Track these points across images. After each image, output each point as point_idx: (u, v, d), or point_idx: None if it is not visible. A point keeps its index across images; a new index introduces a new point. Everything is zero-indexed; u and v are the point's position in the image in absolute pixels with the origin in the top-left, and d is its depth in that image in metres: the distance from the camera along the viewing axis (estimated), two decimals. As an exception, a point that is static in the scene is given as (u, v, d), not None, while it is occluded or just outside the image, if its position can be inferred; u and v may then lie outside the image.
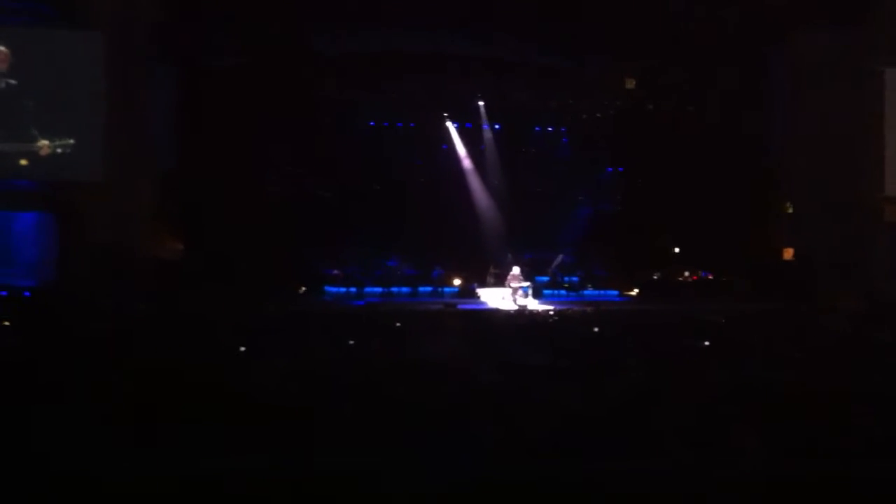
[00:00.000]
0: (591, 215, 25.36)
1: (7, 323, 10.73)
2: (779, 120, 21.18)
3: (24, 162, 17.96)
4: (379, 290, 21.35)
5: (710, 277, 22.85)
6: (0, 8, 18.06)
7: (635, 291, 22.33)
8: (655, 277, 23.51)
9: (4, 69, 18.03)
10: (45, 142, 17.92)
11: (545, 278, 22.69)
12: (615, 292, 22.16)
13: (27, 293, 16.50)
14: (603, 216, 25.37)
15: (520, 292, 20.83)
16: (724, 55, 21.32)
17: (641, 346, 9.72)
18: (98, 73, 18.00)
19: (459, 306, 18.05)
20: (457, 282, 22.12)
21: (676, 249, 24.54)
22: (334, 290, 21.41)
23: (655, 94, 24.05)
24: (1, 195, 18.18)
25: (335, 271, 21.81)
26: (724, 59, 21.55)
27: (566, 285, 22.13)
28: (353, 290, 21.19)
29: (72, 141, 17.91)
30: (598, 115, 24.80)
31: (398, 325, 12.52)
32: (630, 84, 24.07)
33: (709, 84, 23.25)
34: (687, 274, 23.48)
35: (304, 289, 21.76)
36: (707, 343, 9.91)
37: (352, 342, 10.08)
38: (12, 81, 17.99)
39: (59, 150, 17.91)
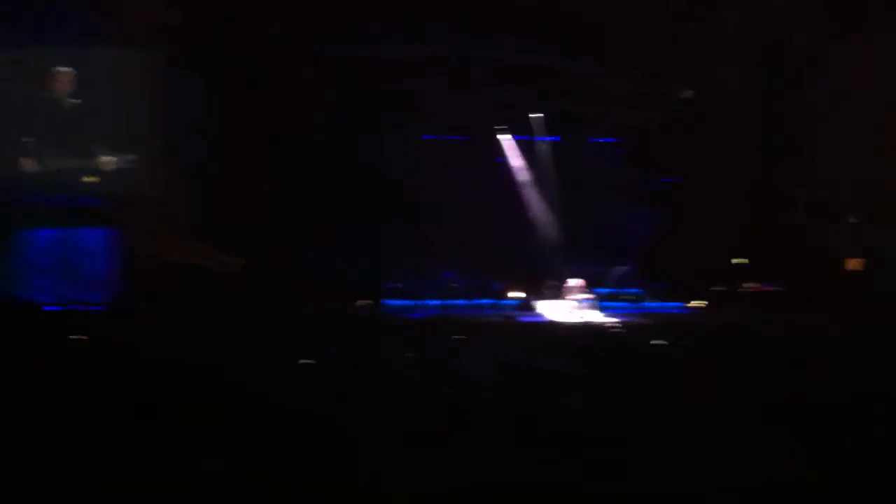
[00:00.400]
0: (651, 226, 25.04)
1: (85, 337, 10.93)
2: (836, 128, 20.67)
3: (88, 178, 18.36)
4: (437, 302, 21.30)
5: (774, 289, 22.37)
6: (63, 29, 18.51)
7: (700, 303, 21.94)
8: (719, 289, 23.12)
9: (69, 90, 18.47)
10: (106, 157, 18.33)
11: (607, 290, 22.43)
12: (679, 304, 21.83)
13: (98, 307, 16.85)
14: (664, 227, 25.04)
15: (581, 304, 20.69)
16: (781, 62, 20.96)
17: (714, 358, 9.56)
18: (157, 90, 18.37)
19: (519, 318, 17.98)
20: (515, 294, 21.99)
21: (738, 260, 24.12)
22: (393, 302, 21.43)
23: (713, 104, 23.69)
24: (67, 211, 18.59)
25: (394, 284, 21.81)
26: (782, 66, 21.17)
27: (628, 297, 21.84)
28: (411, 302, 21.18)
29: (133, 156, 18.30)
30: (654, 126, 24.48)
31: (456, 337, 12.49)
32: (688, 94, 23.76)
33: (766, 92, 22.91)
34: (750, 285, 23.04)
35: (362, 302, 21.81)
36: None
37: (410, 354, 10.10)
38: (76, 101, 18.45)
39: (121, 165, 18.31)
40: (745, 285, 22.98)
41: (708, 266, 24.10)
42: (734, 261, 24.17)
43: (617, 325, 15.48)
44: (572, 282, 21.46)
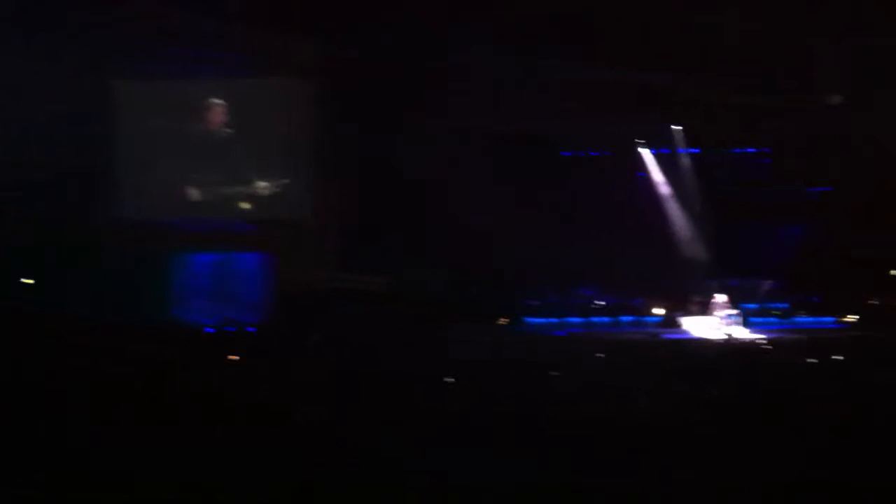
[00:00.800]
0: (800, 238, 24.17)
1: (236, 357, 11.53)
2: None
3: (242, 204, 19.35)
4: (579, 319, 21.22)
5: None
6: (217, 63, 19.59)
7: (853, 317, 21.03)
8: (874, 302, 22.08)
9: (222, 121, 19.52)
10: (260, 182, 19.27)
11: (754, 305, 21.79)
12: (831, 319, 20.97)
13: (251, 329, 17.66)
14: (814, 239, 24.15)
15: (726, 320, 20.18)
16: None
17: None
18: (308, 117, 19.20)
19: (663, 336, 17.73)
20: (659, 310, 21.63)
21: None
22: (535, 320, 21.48)
23: (861, 111, 22.74)
24: (225, 237, 19.61)
25: (535, 301, 21.87)
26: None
27: (776, 312, 21.14)
28: (553, 320, 21.19)
29: (284, 180, 19.17)
30: (802, 136, 23.67)
31: (600, 355, 12.46)
32: (834, 101, 22.89)
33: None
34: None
35: (503, 320, 21.98)
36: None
37: (555, 373, 10.15)
38: (228, 130, 19.48)
39: (274, 190, 19.20)
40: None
41: (863, 279, 23.09)
42: (893, 272, 23.09)
43: (764, 342, 15.05)
44: (717, 297, 20.96)
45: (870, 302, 22.07)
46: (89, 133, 18.49)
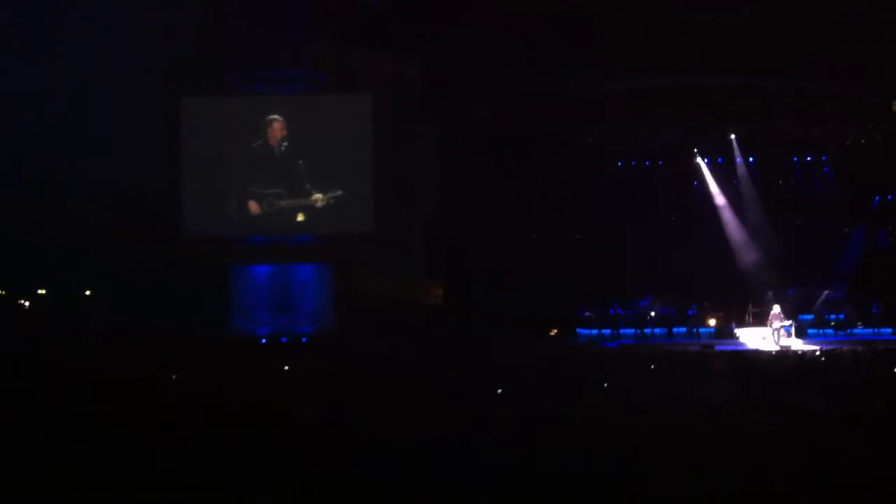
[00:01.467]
0: (859, 247, 23.80)
1: (287, 367, 11.88)
2: None
3: (301, 217, 19.79)
4: (632, 331, 21.19)
5: None
6: (278, 79, 20.07)
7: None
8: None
9: (282, 136, 19.98)
10: (318, 195, 19.69)
11: (810, 316, 21.50)
12: (889, 330, 20.62)
13: (304, 339, 18.05)
14: (874, 248, 23.76)
15: (782, 331, 19.92)
16: None
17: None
18: (367, 130, 19.57)
19: (717, 347, 17.61)
20: (713, 321, 21.49)
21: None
22: (587, 332, 21.50)
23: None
24: (283, 249, 20.07)
25: (587, 313, 21.90)
26: None
27: (833, 323, 20.84)
28: (605, 331, 21.19)
29: (341, 192, 19.54)
30: (863, 140, 23.30)
31: (652, 367, 12.51)
32: (896, 107, 22.50)
33: None
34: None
35: (555, 331, 22.06)
36: None
37: (606, 384, 10.25)
38: (288, 144, 19.92)
39: (331, 202, 19.61)
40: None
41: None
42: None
43: (817, 353, 14.89)
44: (774, 308, 20.74)
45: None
46: (157, 149, 19.18)
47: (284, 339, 18.29)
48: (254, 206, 19.87)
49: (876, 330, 20.65)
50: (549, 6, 19.29)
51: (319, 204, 19.73)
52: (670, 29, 19.49)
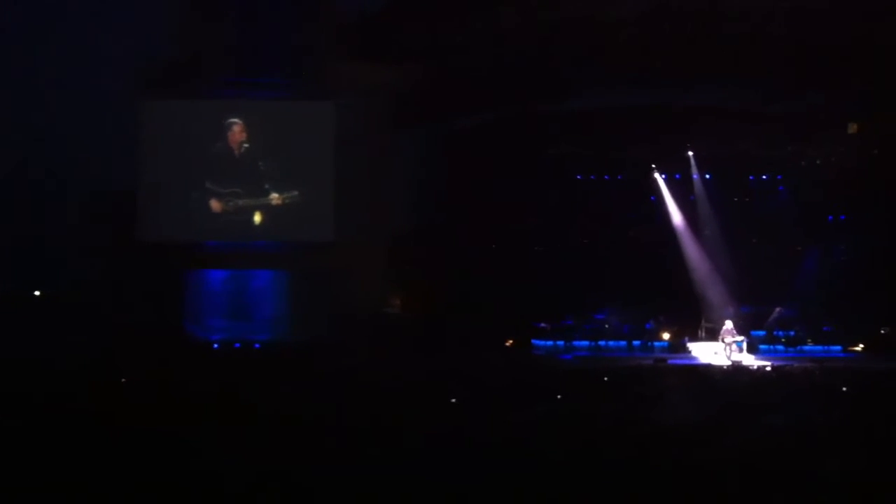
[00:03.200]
0: (812, 266, 24.22)
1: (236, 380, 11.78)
2: None
3: (258, 217, 19.69)
4: (587, 343, 21.34)
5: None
6: (246, 84, 20.03)
7: (860, 347, 21.07)
8: (883, 332, 22.08)
9: (243, 139, 19.94)
10: (275, 195, 19.68)
11: (761, 332, 21.84)
12: (838, 347, 21.03)
13: (257, 345, 17.97)
14: (825, 267, 24.18)
15: (733, 347, 20.27)
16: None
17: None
18: (329, 138, 19.56)
19: (670, 361, 17.82)
20: (666, 335, 21.74)
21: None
22: (542, 343, 21.61)
23: (881, 139, 22.79)
24: (241, 255, 19.95)
25: (543, 324, 22.01)
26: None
27: (784, 340, 21.19)
28: (560, 343, 21.32)
29: (297, 193, 19.53)
30: (818, 161, 23.75)
31: (605, 379, 12.63)
32: (853, 129, 22.92)
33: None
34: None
35: (511, 342, 22.15)
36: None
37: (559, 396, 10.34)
38: (248, 146, 19.91)
39: (287, 201, 19.57)
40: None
41: (874, 308, 23.09)
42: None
43: (767, 368, 15.18)
44: (726, 323, 21.07)
45: (881, 332, 22.09)
46: (119, 152, 19.08)
47: (238, 346, 18.18)
48: (215, 205, 19.82)
49: (826, 347, 21.03)
50: (516, 24, 19.46)
51: (275, 202, 19.71)
52: (635, 46, 19.69)
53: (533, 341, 21.99)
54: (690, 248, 24.32)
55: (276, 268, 19.95)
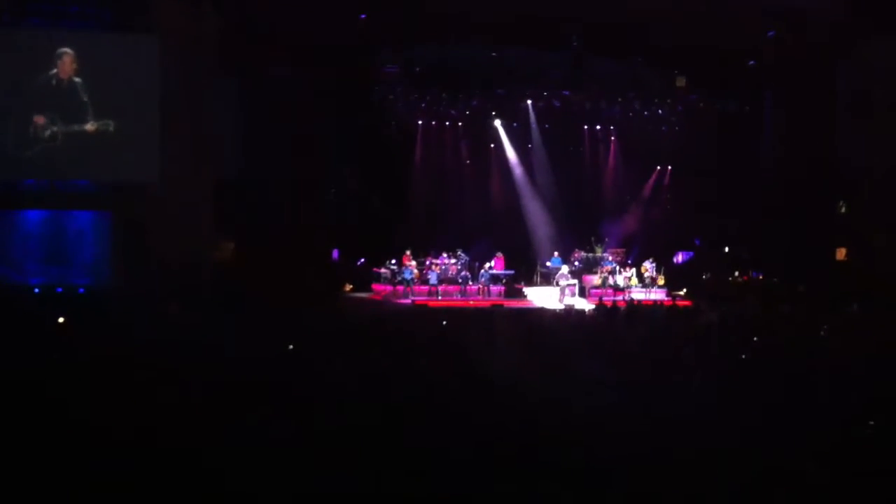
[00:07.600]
0: (640, 217, 25.19)
1: (62, 320, 11.02)
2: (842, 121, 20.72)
3: (78, 154, 18.44)
4: (426, 287, 21.38)
5: (762, 278, 22.54)
6: (68, 14, 18.67)
7: (683, 292, 22.14)
8: (704, 277, 23.30)
9: (72, 70, 18.61)
10: (96, 123, 18.50)
11: (593, 277, 22.52)
12: (664, 291, 22.07)
13: (82, 290, 16.94)
14: (652, 217, 25.20)
15: (567, 290, 20.87)
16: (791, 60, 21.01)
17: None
18: (153, 74, 18.51)
19: (507, 306, 18.09)
20: (505, 278, 22.05)
21: (727, 249, 24.31)
22: (382, 288, 21.52)
23: (707, 93, 23.77)
24: (59, 195, 18.67)
25: (382, 270, 21.88)
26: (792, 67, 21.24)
27: (611, 284, 21.94)
28: (399, 288, 21.27)
29: (111, 122, 18.47)
30: (646, 113, 24.54)
31: (444, 322, 12.62)
32: (681, 83, 23.75)
33: (767, 87, 23.06)
34: (737, 274, 23.22)
35: (350, 287, 21.97)
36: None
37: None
38: (77, 79, 18.61)
39: (103, 131, 18.46)
40: (737, 275, 23.14)
41: (702, 256, 24.34)
42: (723, 251, 24.38)
43: (593, 312, 15.69)
44: (563, 269, 21.64)
45: (704, 278, 23.28)
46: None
47: (60, 290, 17.05)
48: (38, 121, 18.43)
49: (650, 289, 22.00)
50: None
51: (90, 129, 18.53)
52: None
53: (373, 286, 21.86)
54: (526, 196, 24.75)
55: (96, 209, 18.77)
